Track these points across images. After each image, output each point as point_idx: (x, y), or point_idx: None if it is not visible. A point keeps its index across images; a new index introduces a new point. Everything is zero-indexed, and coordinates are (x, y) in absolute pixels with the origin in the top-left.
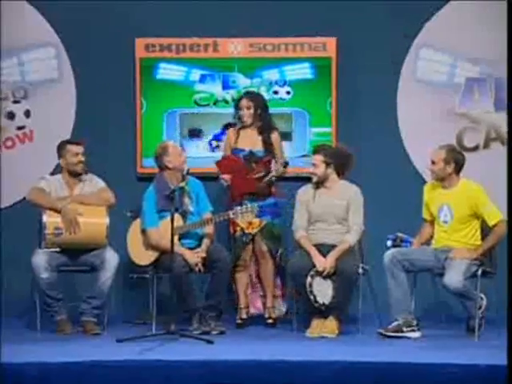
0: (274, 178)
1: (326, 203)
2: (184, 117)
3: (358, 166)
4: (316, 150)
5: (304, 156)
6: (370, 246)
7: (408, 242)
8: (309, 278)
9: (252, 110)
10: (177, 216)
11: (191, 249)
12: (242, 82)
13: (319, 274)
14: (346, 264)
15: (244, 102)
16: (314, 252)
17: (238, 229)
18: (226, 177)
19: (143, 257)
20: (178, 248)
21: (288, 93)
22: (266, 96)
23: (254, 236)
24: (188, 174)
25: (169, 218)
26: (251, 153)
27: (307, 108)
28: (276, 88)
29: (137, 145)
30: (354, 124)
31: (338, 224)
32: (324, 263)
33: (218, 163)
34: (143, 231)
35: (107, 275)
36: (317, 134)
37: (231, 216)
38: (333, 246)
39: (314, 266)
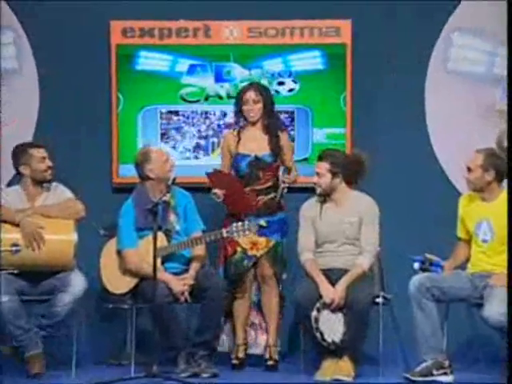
0: (285, 191)
1: (334, 220)
2: (169, 115)
3: (376, 174)
4: (321, 157)
5: (304, 160)
6: (392, 270)
7: (438, 265)
8: (314, 312)
9: (261, 105)
10: (160, 235)
11: (177, 274)
12: (239, 73)
13: (327, 306)
14: (358, 293)
15: (251, 95)
16: (320, 279)
17: (239, 250)
18: (219, 192)
19: (119, 284)
20: (160, 273)
21: (293, 88)
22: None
23: (258, 259)
24: (174, 184)
25: (150, 238)
26: (257, 158)
27: (316, 105)
28: (279, 81)
29: (112, 149)
30: (373, 124)
31: (348, 244)
32: (332, 293)
33: (209, 176)
34: (119, 253)
35: (66, 299)
36: (328, 136)
37: (225, 235)
38: (345, 271)
39: (322, 297)
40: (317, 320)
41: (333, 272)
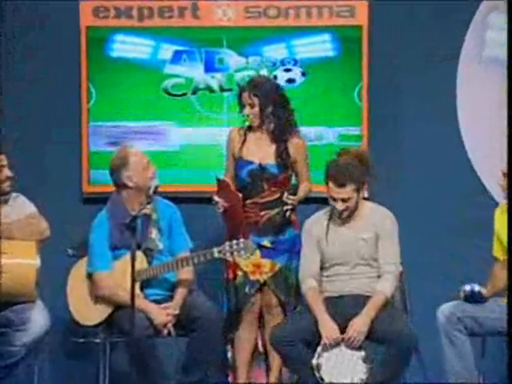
0: (289, 213)
1: (346, 238)
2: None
3: (399, 181)
4: (342, 182)
5: None
6: (414, 293)
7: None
8: (315, 359)
9: (257, 109)
10: (139, 255)
11: (159, 302)
12: (234, 61)
13: (331, 346)
14: (394, 324)
15: (245, 97)
16: (320, 314)
17: (240, 274)
18: (222, 202)
19: (90, 313)
20: (139, 301)
21: (293, 78)
22: None
23: (262, 284)
24: (156, 193)
25: (127, 258)
26: (261, 168)
27: (325, 99)
28: (281, 72)
29: (82, 152)
30: (394, 122)
31: (364, 266)
32: (334, 333)
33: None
34: (90, 276)
35: (24, 339)
36: (341, 137)
37: (216, 255)
38: (361, 298)
39: (320, 337)
40: (319, 367)
41: (345, 299)
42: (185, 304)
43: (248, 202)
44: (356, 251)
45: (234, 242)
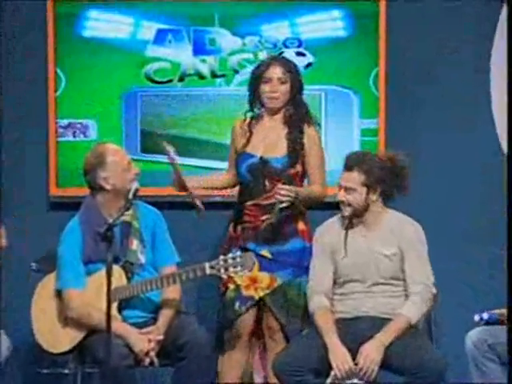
0: (284, 213)
1: (365, 251)
2: (128, 101)
3: (417, 187)
4: (350, 164)
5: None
6: (438, 314)
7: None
8: None
9: (288, 86)
10: (117, 270)
11: (140, 326)
12: (228, 42)
13: (342, 378)
14: (416, 353)
15: (277, 72)
16: (330, 339)
17: (232, 287)
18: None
19: (59, 339)
20: (117, 325)
21: (305, 59)
22: None
23: (258, 302)
24: (135, 196)
25: (103, 274)
26: (262, 161)
27: (336, 87)
28: (284, 53)
29: (49, 149)
30: (416, 114)
31: (385, 284)
32: (347, 362)
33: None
34: (59, 294)
35: None
36: None
37: (208, 272)
38: (377, 320)
39: (330, 366)
40: None
41: (360, 321)
42: (170, 328)
43: (248, 203)
44: (376, 267)
45: (230, 255)
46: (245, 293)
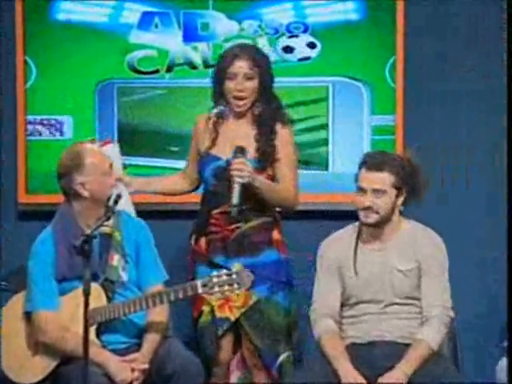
0: (258, 221)
1: (379, 266)
2: (108, 95)
3: (435, 194)
4: (378, 165)
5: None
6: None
7: None
8: None
9: (256, 82)
10: (95, 288)
11: (122, 354)
12: (223, 27)
13: None
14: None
15: (242, 66)
16: (343, 364)
17: (206, 309)
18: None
19: (29, 368)
20: (95, 351)
21: (312, 47)
22: (270, 55)
23: (235, 324)
24: (116, 204)
25: (79, 293)
26: (227, 164)
27: (345, 78)
28: (288, 41)
29: (18, 150)
30: (439, 109)
31: (401, 305)
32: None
33: None
34: (29, 317)
35: None
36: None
37: (200, 290)
38: (394, 346)
39: None
40: None
41: (375, 347)
42: (156, 355)
43: (214, 211)
44: (390, 285)
45: (224, 272)
46: (219, 314)
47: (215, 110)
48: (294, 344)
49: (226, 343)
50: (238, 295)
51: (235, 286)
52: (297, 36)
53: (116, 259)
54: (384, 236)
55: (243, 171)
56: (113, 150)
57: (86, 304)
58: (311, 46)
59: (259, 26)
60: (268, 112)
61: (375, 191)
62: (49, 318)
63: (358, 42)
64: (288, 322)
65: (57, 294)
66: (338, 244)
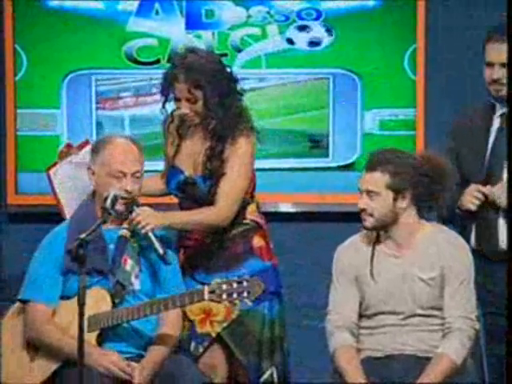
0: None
1: (398, 274)
2: (105, 87)
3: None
4: (372, 164)
5: (346, 167)
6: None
7: None
8: None
9: (200, 104)
10: (100, 292)
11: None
12: (229, 14)
13: None
14: None
15: (182, 88)
16: (356, 380)
17: (186, 325)
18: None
19: (24, 374)
20: (92, 350)
21: (319, 40)
22: (279, 44)
23: (216, 339)
24: (114, 205)
25: (90, 293)
26: (188, 181)
27: (363, 69)
28: (300, 25)
29: (7, 146)
30: (462, 101)
31: (423, 316)
32: None
33: None
34: (24, 305)
35: None
36: (385, 124)
37: (206, 297)
38: (415, 360)
39: None
40: None
41: (394, 360)
42: (163, 368)
43: None
44: (411, 294)
45: (235, 279)
46: (199, 330)
47: (176, 113)
48: (281, 357)
49: (210, 361)
50: (222, 311)
51: (245, 294)
52: (307, 27)
53: (129, 264)
54: (402, 241)
55: (141, 223)
56: (90, 151)
57: (81, 311)
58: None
59: (268, 13)
60: (222, 126)
61: (368, 192)
62: (38, 309)
63: (373, 30)
64: (274, 334)
65: (55, 289)
66: (353, 250)
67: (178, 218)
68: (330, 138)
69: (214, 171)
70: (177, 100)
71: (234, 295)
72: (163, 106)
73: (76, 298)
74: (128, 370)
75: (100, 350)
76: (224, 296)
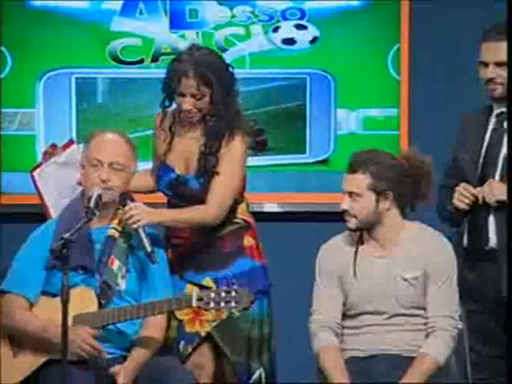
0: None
1: (382, 274)
2: (88, 86)
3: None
4: (354, 165)
5: (321, 162)
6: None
7: None
8: None
9: (206, 100)
10: (86, 291)
11: (106, 365)
12: (213, 14)
13: None
14: None
15: (189, 84)
16: (340, 380)
17: (174, 324)
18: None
19: (6, 370)
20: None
21: (306, 33)
22: (264, 44)
23: (205, 339)
24: (98, 205)
25: (77, 291)
26: (179, 180)
27: (346, 69)
28: (285, 26)
29: None
30: (444, 103)
31: (406, 316)
32: None
33: None
34: (2, 295)
35: None
36: (367, 123)
37: (194, 304)
38: (398, 360)
39: None
40: None
41: (378, 361)
42: (142, 374)
43: None
44: (394, 295)
45: (224, 288)
46: (189, 329)
47: (170, 110)
48: (268, 358)
49: (199, 360)
50: (210, 313)
51: (232, 303)
52: (302, 26)
53: (116, 265)
54: (385, 241)
55: (132, 217)
56: (74, 151)
57: (65, 311)
58: (301, 27)
59: (252, 13)
60: (220, 125)
61: (351, 194)
62: (16, 299)
63: (358, 29)
64: (263, 333)
65: (35, 284)
66: (338, 250)
67: (169, 216)
68: (307, 136)
69: (208, 169)
70: (180, 96)
71: (222, 304)
72: (164, 103)
73: (60, 297)
74: (98, 346)
75: (73, 328)
76: (211, 304)
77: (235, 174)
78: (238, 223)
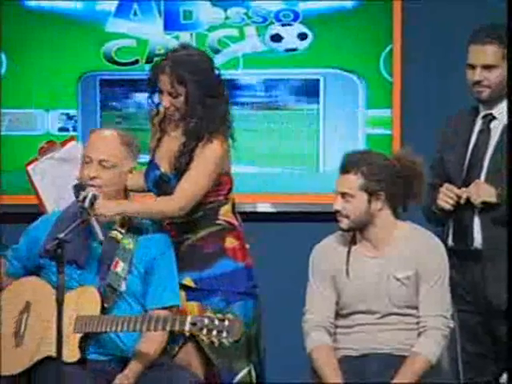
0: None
1: (374, 274)
2: (85, 87)
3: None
4: (347, 166)
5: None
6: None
7: None
8: None
9: (181, 99)
10: (91, 292)
11: (99, 370)
12: (207, 15)
13: None
14: None
15: (165, 82)
16: (333, 380)
17: None
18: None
19: (9, 361)
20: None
21: (303, 38)
22: (258, 45)
23: (190, 338)
24: (92, 205)
25: (72, 292)
26: (163, 178)
27: (338, 69)
28: (277, 29)
29: None
30: (437, 105)
31: (398, 315)
32: None
33: None
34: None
35: None
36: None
37: (187, 327)
38: (391, 359)
39: None
40: None
41: (371, 360)
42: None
43: (165, 222)
44: (387, 294)
45: (218, 316)
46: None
47: (161, 107)
48: (256, 358)
49: (187, 358)
50: (191, 311)
51: (224, 334)
52: (289, 25)
53: (120, 267)
54: (378, 241)
55: (94, 210)
56: (73, 148)
57: (60, 312)
58: (302, 37)
59: (246, 14)
60: (201, 126)
61: (343, 195)
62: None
63: (350, 30)
64: (249, 335)
65: (21, 267)
66: (331, 250)
67: (130, 206)
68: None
69: (182, 168)
70: (160, 92)
71: (214, 333)
72: (149, 98)
73: (66, 296)
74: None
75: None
76: (204, 331)
77: (206, 173)
78: (219, 225)
